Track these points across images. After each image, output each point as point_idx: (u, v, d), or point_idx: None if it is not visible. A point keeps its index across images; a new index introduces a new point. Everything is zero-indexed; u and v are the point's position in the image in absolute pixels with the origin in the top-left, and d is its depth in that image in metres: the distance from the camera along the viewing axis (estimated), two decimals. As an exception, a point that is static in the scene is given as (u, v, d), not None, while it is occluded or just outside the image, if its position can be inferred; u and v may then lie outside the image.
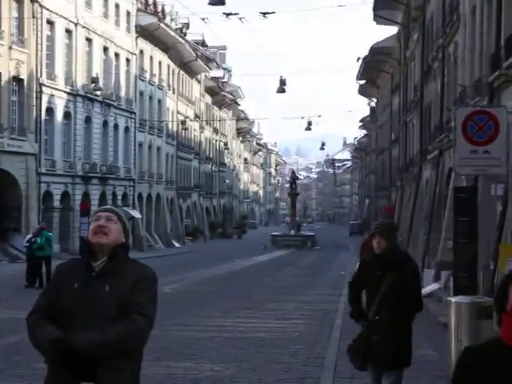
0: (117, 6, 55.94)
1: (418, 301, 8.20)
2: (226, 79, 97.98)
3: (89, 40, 51.43)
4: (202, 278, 31.71)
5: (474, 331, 10.36)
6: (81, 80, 50.10)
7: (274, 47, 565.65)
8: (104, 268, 4.51)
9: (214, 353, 12.92)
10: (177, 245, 64.10)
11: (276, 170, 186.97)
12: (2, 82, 40.51)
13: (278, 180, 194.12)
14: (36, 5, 43.06)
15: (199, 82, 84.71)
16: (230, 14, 30.29)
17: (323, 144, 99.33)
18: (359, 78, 73.25)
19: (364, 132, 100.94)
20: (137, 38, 60.43)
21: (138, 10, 60.81)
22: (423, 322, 12.87)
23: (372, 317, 8.09)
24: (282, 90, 50.80)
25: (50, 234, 30.34)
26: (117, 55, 56.98)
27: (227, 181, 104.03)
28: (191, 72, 79.30)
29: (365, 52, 65.54)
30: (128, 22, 58.96)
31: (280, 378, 10.89)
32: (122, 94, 58.35)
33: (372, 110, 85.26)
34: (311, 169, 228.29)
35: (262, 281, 32.17)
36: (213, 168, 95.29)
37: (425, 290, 20.11)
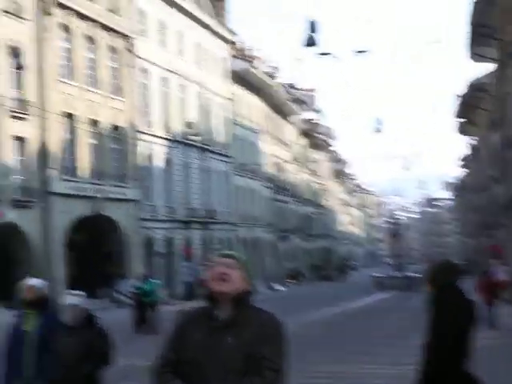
0: (210, 53, 56.58)
1: None
2: (318, 121, 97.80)
3: (183, 87, 52.11)
4: (306, 322, 31.16)
5: None
6: (177, 126, 50.87)
7: (367, 85, 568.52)
8: (227, 317, 4.34)
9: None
10: (278, 288, 63.62)
11: (374, 210, 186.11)
12: (102, 131, 41.47)
13: (377, 220, 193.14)
14: (132, 54, 44.02)
15: (293, 124, 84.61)
16: (324, 53, 30.30)
17: (422, 183, 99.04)
18: (456, 115, 71.82)
19: (463, 170, 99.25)
20: (230, 83, 60.96)
21: (231, 56, 61.61)
22: None
23: None
24: (378, 129, 50.14)
25: (157, 280, 30.74)
26: (211, 100, 57.44)
27: (326, 223, 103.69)
28: (284, 115, 79.42)
29: (455, 88, 65.10)
30: (221, 68, 59.63)
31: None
32: (218, 139, 58.75)
33: (471, 147, 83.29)
34: (409, 208, 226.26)
35: (369, 324, 31.50)
36: (311, 210, 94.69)
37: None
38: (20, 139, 35.59)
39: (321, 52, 31.27)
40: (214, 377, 4.19)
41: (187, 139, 51.95)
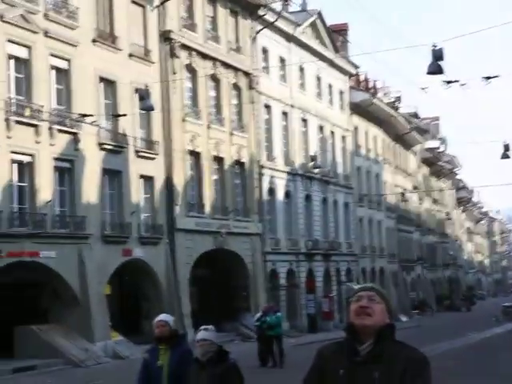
0: (330, 85, 56.73)
1: None
2: (441, 149, 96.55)
3: (304, 120, 52.18)
4: (436, 354, 29.62)
5: None
6: (299, 159, 50.99)
7: (494, 109, 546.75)
8: (370, 352, 4.21)
9: None
10: (403, 319, 62.56)
11: (501, 237, 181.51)
12: (226, 167, 42.02)
13: (505, 248, 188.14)
14: (254, 91, 44.65)
15: (415, 153, 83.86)
16: (450, 81, 29.57)
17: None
18: None
19: None
20: (351, 114, 60.91)
21: (351, 87, 61.59)
22: None
23: None
24: (505, 155, 48.32)
25: (280, 313, 30.62)
26: (332, 133, 57.18)
27: (451, 252, 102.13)
28: (406, 144, 78.60)
29: None
30: (341, 100, 59.44)
31: None
32: (340, 170, 58.47)
33: None
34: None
35: (503, 356, 30.35)
36: (435, 239, 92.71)
37: None
38: (146, 178, 36.44)
39: (446, 80, 30.49)
40: None
41: (309, 172, 51.87)
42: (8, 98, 29.28)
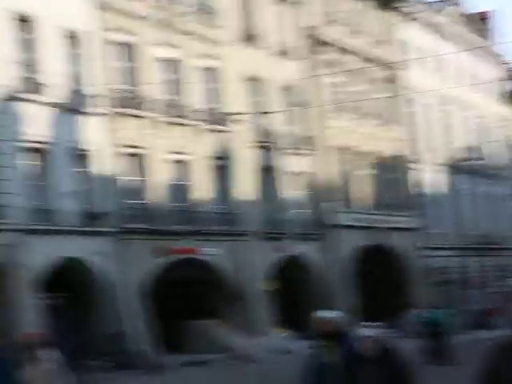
0: (482, 75, 54.48)
1: None
2: None
3: (456, 112, 51.42)
4: None
5: None
6: (457, 152, 50.12)
7: None
8: None
9: None
10: None
11: None
12: (378, 161, 41.98)
13: None
14: (400, 84, 44.43)
15: None
16: None
17: None
18: None
19: None
20: (506, 104, 59.12)
21: (503, 77, 60.05)
22: None
23: None
24: None
25: (449, 309, 30.46)
26: (489, 124, 56.22)
27: None
28: None
29: None
30: (495, 89, 57.95)
31: None
32: (498, 161, 56.59)
33: None
34: None
35: None
36: None
37: None
38: (298, 174, 36.61)
39: None
40: None
41: (469, 165, 50.80)
42: (161, 99, 30.16)
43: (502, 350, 4.30)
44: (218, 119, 32.25)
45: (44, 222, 25.22)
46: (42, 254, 24.81)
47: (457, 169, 49.71)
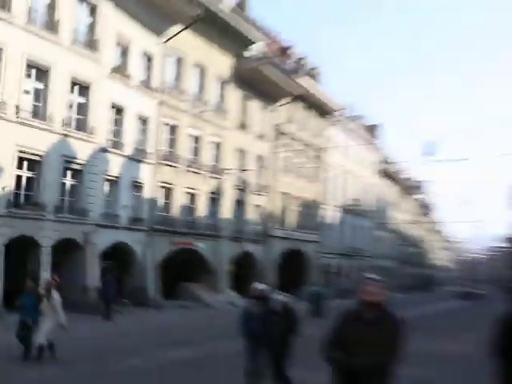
0: (366, 157, 55.79)
1: None
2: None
3: (348, 177, 50.99)
4: (411, 316, 27.87)
5: None
6: (346, 201, 49.33)
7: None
8: (373, 317, 4.18)
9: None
10: (400, 296, 59.62)
11: (453, 248, 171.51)
12: (303, 202, 41.11)
13: (455, 256, 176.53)
14: (323, 160, 44.29)
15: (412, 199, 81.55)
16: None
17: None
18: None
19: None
20: (377, 177, 59.55)
21: (380, 160, 60.48)
22: None
23: None
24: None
25: (323, 287, 29.76)
26: (365, 184, 55.16)
27: (424, 257, 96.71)
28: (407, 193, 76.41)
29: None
30: (373, 167, 58.56)
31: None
32: (367, 207, 55.26)
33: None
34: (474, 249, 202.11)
35: (447, 318, 28.36)
36: (418, 250, 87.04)
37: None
38: (257, 206, 36.02)
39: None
40: (362, 351, 4.03)
41: (351, 208, 50.07)
42: (187, 157, 29.71)
43: (346, 315, 4.44)
44: (217, 171, 31.93)
45: (109, 221, 24.86)
46: (106, 239, 24.57)
47: (345, 210, 49.55)
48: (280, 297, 9.14)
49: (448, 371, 12.25)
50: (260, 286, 9.44)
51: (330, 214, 46.86)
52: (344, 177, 49.36)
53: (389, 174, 63.28)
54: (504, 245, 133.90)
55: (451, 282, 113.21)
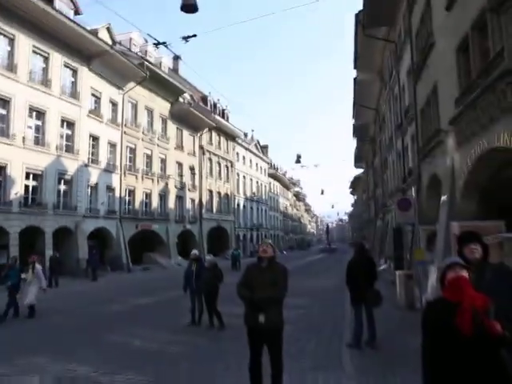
0: (258, 166, 56.51)
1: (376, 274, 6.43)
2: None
3: (254, 180, 51.48)
4: (296, 265, 27.72)
5: (405, 285, 9.80)
6: (248, 194, 49.09)
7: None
8: (267, 266, 3.96)
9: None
10: (284, 252, 56.91)
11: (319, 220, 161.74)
12: (222, 196, 41.09)
13: (320, 226, 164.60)
14: (233, 168, 44.47)
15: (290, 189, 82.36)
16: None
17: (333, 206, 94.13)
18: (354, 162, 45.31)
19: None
20: (271, 180, 60.91)
21: (269, 171, 61.95)
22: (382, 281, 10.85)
23: None
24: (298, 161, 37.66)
25: (238, 250, 29.50)
26: (259, 184, 55.83)
27: (302, 228, 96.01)
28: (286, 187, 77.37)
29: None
30: (264, 172, 58.19)
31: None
32: (264, 197, 55.35)
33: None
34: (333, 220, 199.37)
35: (317, 263, 28.73)
36: (297, 223, 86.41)
37: (380, 268, 17.69)
38: (192, 199, 35.42)
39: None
40: (261, 289, 3.79)
41: (252, 198, 50.58)
42: (143, 168, 29.55)
43: (252, 265, 4.09)
44: (163, 177, 31.20)
45: (92, 213, 24.17)
46: (90, 225, 23.91)
47: (249, 199, 49.55)
48: (209, 257, 8.53)
49: (317, 298, 11.92)
50: (195, 252, 8.87)
51: (240, 202, 47.17)
52: (247, 178, 49.77)
53: (275, 176, 64.13)
54: (347, 218, 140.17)
55: (318, 243, 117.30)
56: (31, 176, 20.41)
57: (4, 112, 18.70)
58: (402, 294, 10.10)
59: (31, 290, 9.55)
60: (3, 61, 18.54)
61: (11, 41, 18.56)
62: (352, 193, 74.21)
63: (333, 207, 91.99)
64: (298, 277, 17.67)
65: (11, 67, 18.71)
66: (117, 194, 26.67)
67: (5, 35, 18.34)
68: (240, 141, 46.65)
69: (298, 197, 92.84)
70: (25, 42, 19.14)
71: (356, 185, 62.21)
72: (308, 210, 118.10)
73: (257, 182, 53.79)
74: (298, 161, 38.93)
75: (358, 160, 43.52)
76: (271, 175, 61.25)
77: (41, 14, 18.88)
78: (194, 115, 34.35)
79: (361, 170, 50.44)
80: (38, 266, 9.77)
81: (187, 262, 10.07)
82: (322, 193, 67.15)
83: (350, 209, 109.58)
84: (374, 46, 18.47)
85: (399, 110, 16.06)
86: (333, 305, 10.69)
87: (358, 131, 33.67)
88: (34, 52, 19.78)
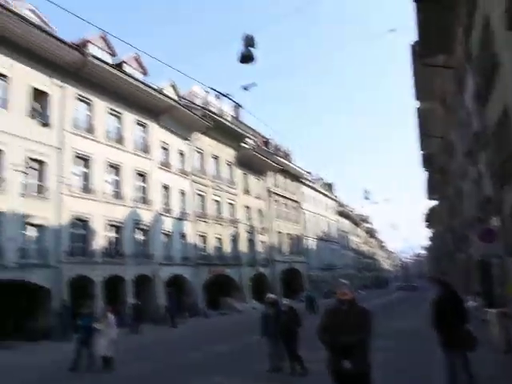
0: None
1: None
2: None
3: (324, 221, 50.47)
4: (378, 304, 26.46)
5: (500, 324, 9.03)
6: (318, 233, 48.42)
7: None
8: (347, 309, 3.95)
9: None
10: (362, 292, 55.16)
11: (394, 257, 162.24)
12: (289, 236, 40.75)
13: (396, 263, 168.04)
14: (300, 206, 44.16)
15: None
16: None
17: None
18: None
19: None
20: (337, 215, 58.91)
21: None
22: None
23: None
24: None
25: (313, 292, 28.24)
26: (330, 223, 54.77)
27: (377, 265, 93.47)
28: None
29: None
30: (333, 211, 57.51)
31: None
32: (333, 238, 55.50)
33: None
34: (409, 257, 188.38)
35: (398, 302, 27.66)
36: (370, 261, 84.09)
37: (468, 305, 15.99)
38: (262, 242, 35.00)
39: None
40: (344, 332, 3.77)
41: (322, 237, 49.18)
42: (214, 214, 29.81)
43: (331, 309, 4.11)
44: (233, 221, 31.44)
45: (168, 260, 24.47)
46: (166, 272, 24.08)
47: (319, 238, 48.31)
48: (285, 301, 8.58)
49: (403, 340, 11.55)
50: (271, 295, 8.87)
51: (311, 242, 46.05)
52: (315, 217, 48.89)
53: (343, 213, 62.53)
54: (424, 252, 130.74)
55: (395, 280, 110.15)
56: (111, 227, 21.29)
57: (86, 170, 19.94)
58: (497, 335, 9.14)
59: (104, 340, 9.35)
60: (83, 123, 19.99)
61: (89, 105, 20.14)
62: (428, 226, 69.90)
63: (407, 242, 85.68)
64: (381, 317, 16.82)
65: (90, 128, 20.16)
66: (189, 240, 26.92)
67: (84, 101, 19.96)
68: (305, 180, 46.23)
69: (369, 233, 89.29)
70: (101, 105, 20.66)
71: (431, 217, 59.08)
72: (381, 245, 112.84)
73: (325, 221, 52.61)
74: (366, 197, 37.28)
75: (431, 191, 41.27)
76: (339, 213, 59.78)
77: (113, 79, 20.37)
78: (258, 159, 34.72)
79: (434, 202, 47.76)
80: (111, 316, 9.60)
81: (262, 305, 10.45)
82: (394, 228, 63.18)
83: (426, 242, 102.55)
84: (433, 74, 18.20)
85: (468, 135, 15.30)
86: (421, 347, 9.99)
87: (427, 161, 32.17)
88: (108, 113, 21.26)
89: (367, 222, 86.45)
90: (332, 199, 57.11)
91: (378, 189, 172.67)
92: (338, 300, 4.02)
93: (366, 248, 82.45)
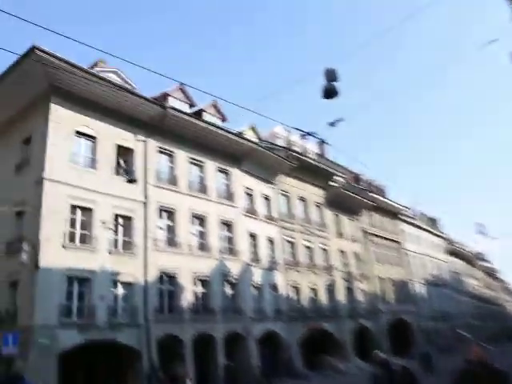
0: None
1: None
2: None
3: (429, 261, 45.50)
4: None
5: None
6: (429, 276, 43.59)
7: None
8: (481, 370, 4.03)
9: None
10: None
11: None
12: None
13: None
14: (402, 247, 40.17)
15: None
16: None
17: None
18: None
19: None
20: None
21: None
22: None
23: None
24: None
25: (428, 349, 24.90)
26: (442, 267, 49.30)
27: (500, 311, 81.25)
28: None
29: None
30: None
31: None
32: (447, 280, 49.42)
33: None
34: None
35: None
36: (490, 306, 73.40)
37: None
38: (362, 290, 31.99)
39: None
40: None
41: (434, 281, 44.09)
42: (305, 261, 27.90)
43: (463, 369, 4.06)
44: (328, 268, 29.18)
45: (259, 315, 22.75)
46: (258, 328, 22.29)
47: (428, 283, 43.41)
48: (396, 360, 8.55)
49: None
50: (381, 354, 8.27)
51: (418, 287, 41.07)
52: (420, 258, 43.95)
53: (454, 251, 55.75)
54: None
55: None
56: (198, 281, 20.20)
57: (170, 223, 19.41)
58: None
59: None
60: (166, 175, 19.76)
61: (170, 156, 19.96)
62: None
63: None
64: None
65: (173, 180, 19.83)
66: (281, 292, 24.99)
67: (165, 153, 19.84)
68: (404, 217, 42.04)
69: (489, 273, 77.87)
70: (182, 156, 20.44)
71: None
72: (505, 287, 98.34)
73: (433, 262, 47.05)
74: (481, 231, 32.41)
75: None
76: (449, 251, 54.30)
77: (193, 129, 20.17)
78: (349, 197, 32.26)
79: None
80: (189, 382, 9.58)
81: (368, 365, 9.99)
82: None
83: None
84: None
85: None
86: None
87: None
88: (190, 163, 20.92)
89: (485, 261, 75.85)
90: (439, 236, 51.25)
91: (493, 223, 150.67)
92: (469, 361, 3.85)
93: (486, 291, 71.89)
